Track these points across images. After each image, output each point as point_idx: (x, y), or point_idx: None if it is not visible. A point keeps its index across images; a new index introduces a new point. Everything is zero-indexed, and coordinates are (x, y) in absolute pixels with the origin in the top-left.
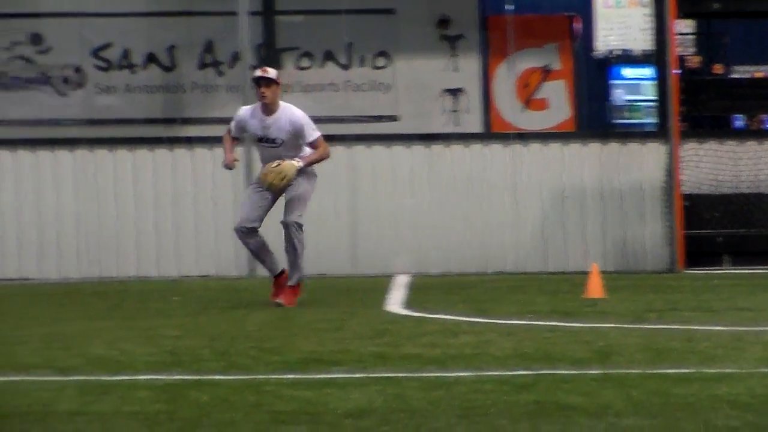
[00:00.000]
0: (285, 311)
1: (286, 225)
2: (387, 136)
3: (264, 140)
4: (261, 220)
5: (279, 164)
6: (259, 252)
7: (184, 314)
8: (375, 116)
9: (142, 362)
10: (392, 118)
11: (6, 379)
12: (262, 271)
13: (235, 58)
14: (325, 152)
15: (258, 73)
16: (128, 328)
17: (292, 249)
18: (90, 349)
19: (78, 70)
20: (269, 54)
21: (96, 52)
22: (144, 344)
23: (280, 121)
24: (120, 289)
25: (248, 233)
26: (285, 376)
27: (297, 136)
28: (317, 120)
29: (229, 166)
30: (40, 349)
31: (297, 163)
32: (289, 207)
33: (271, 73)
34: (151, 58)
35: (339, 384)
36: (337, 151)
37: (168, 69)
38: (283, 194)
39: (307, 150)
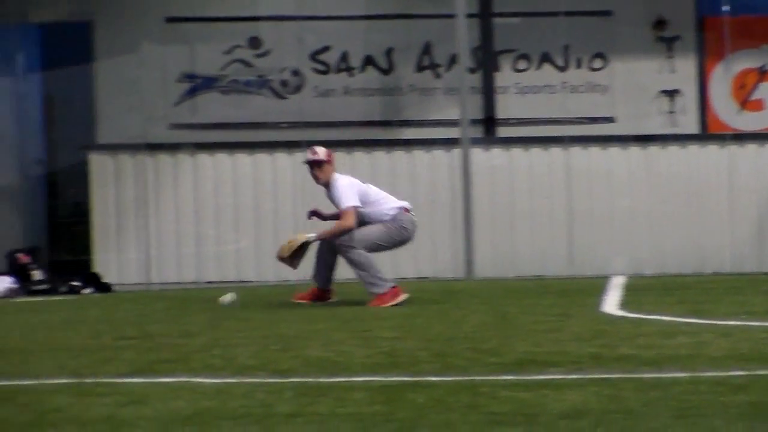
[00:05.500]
0: (504, 313)
1: (337, 249)
2: (603, 137)
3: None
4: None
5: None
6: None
7: (401, 316)
8: (592, 118)
9: (359, 364)
10: (609, 120)
11: (225, 381)
12: (480, 273)
13: (453, 60)
14: (343, 225)
15: (308, 155)
16: (345, 330)
17: (355, 273)
18: (307, 351)
19: (296, 73)
20: (486, 56)
21: (314, 56)
22: (361, 346)
23: (331, 195)
24: (338, 290)
25: None
26: (501, 377)
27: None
28: (534, 122)
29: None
30: (258, 352)
31: (308, 236)
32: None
33: (320, 153)
34: (369, 61)
35: (555, 385)
36: (554, 152)
37: (385, 72)
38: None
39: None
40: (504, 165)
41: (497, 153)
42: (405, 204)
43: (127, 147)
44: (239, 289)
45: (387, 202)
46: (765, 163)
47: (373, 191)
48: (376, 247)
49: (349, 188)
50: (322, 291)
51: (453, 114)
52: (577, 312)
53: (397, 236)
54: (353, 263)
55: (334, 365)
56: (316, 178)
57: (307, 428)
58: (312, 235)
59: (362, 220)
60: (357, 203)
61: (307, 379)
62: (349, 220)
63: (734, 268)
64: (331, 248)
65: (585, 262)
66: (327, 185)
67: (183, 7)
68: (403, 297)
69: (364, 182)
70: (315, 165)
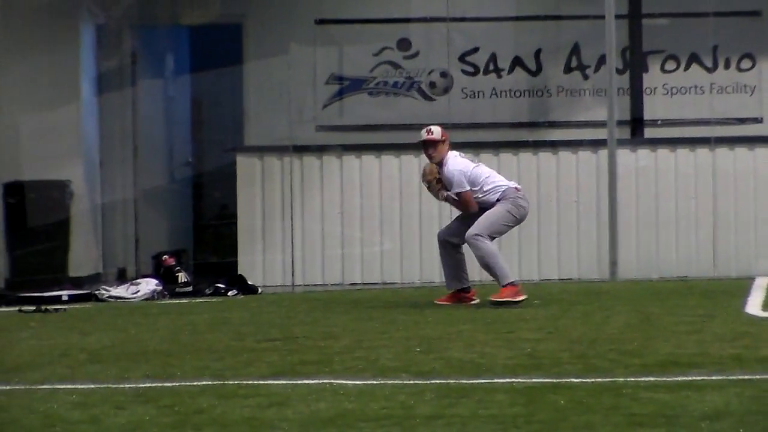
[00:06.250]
0: (647, 315)
1: (466, 242)
2: (750, 137)
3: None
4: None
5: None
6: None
7: (545, 317)
8: (739, 118)
9: (501, 365)
10: (756, 120)
11: (367, 382)
12: (624, 274)
13: (601, 61)
14: (467, 208)
15: (423, 135)
16: (488, 331)
17: (483, 264)
18: (449, 353)
19: (445, 74)
20: (634, 57)
21: (463, 57)
22: (503, 347)
23: (444, 174)
24: (480, 293)
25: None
26: (643, 379)
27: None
28: (681, 123)
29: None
30: (401, 353)
31: (444, 192)
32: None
33: (435, 133)
34: (517, 62)
35: (697, 386)
36: (700, 153)
37: (534, 73)
38: None
39: (490, 199)
40: (650, 166)
41: (643, 154)
42: (515, 184)
43: (274, 149)
44: (384, 291)
45: (497, 181)
46: None
47: (484, 172)
48: (502, 230)
49: (461, 175)
50: (461, 292)
51: (600, 115)
52: (720, 313)
53: (517, 214)
54: (481, 253)
55: (476, 367)
56: (431, 157)
57: (448, 430)
58: (445, 192)
59: (478, 203)
60: (468, 188)
61: (448, 381)
62: (473, 205)
63: None
64: (450, 248)
65: (729, 263)
66: (440, 163)
67: (332, 9)
68: (523, 297)
69: (474, 161)
70: (430, 144)
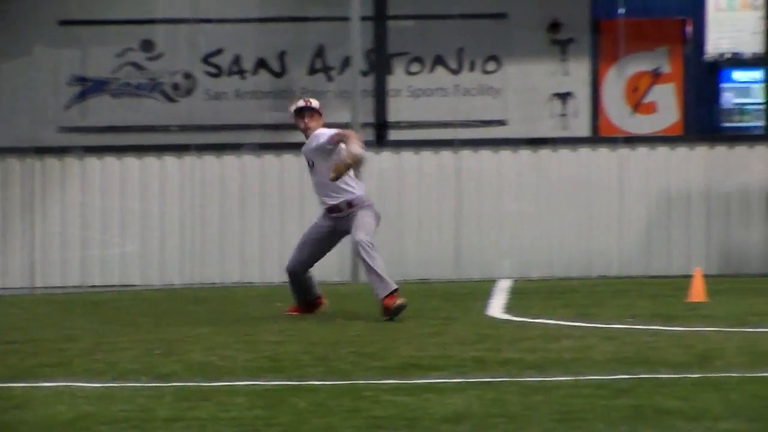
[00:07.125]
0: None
1: (355, 243)
2: (494, 140)
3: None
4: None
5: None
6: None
7: (285, 320)
8: (484, 121)
9: (242, 368)
10: (501, 123)
11: (106, 385)
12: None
13: (346, 63)
14: (356, 139)
15: (301, 103)
16: (228, 334)
17: (367, 267)
18: (189, 356)
19: (188, 76)
20: (379, 59)
21: (206, 59)
22: (244, 350)
23: (316, 145)
24: (222, 295)
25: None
26: (384, 381)
27: (320, 149)
28: (426, 125)
29: None
30: (140, 356)
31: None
32: (354, 228)
33: (314, 102)
34: (261, 64)
35: (438, 389)
36: (444, 156)
37: (278, 75)
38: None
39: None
40: (393, 168)
41: (387, 156)
42: None
43: (15, 150)
44: (124, 293)
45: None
46: (655, 166)
47: None
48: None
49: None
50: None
51: (344, 117)
52: (462, 316)
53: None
54: (374, 263)
55: (216, 369)
56: (307, 128)
57: None
58: (360, 151)
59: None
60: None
61: (188, 384)
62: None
63: (621, 272)
64: (301, 276)
65: (472, 265)
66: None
67: (76, 10)
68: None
69: None
70: (308, 112)
